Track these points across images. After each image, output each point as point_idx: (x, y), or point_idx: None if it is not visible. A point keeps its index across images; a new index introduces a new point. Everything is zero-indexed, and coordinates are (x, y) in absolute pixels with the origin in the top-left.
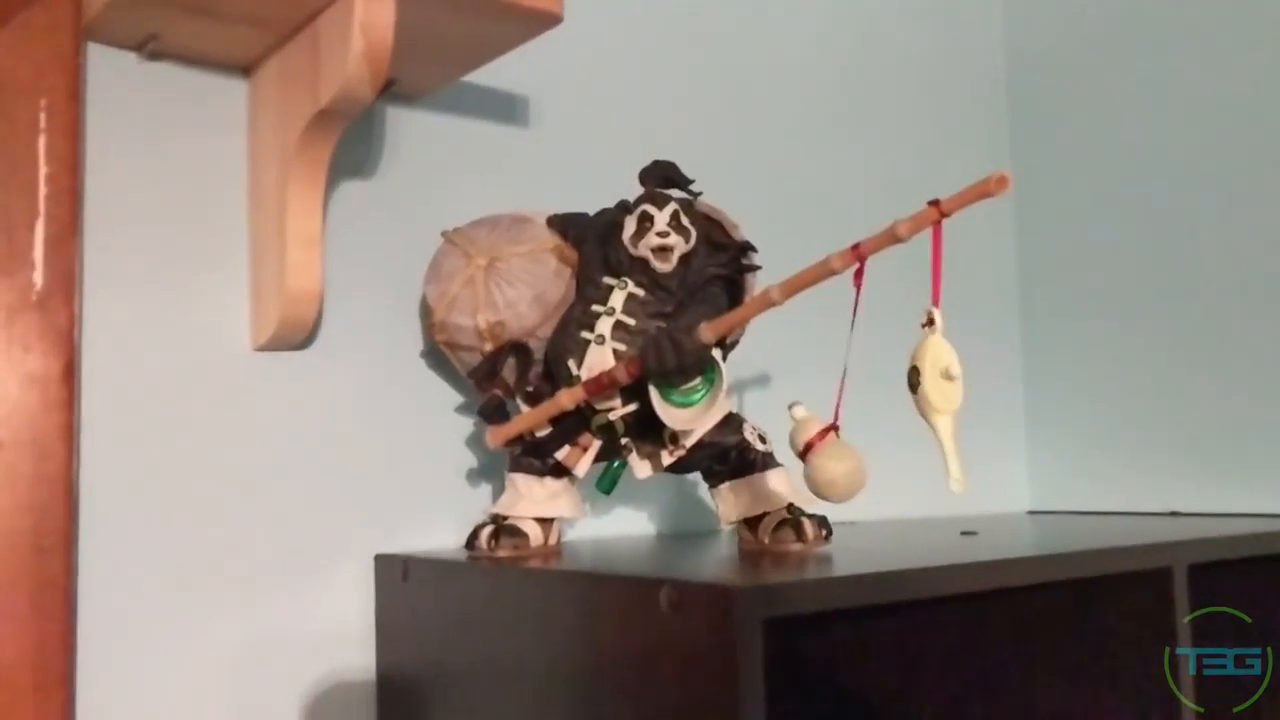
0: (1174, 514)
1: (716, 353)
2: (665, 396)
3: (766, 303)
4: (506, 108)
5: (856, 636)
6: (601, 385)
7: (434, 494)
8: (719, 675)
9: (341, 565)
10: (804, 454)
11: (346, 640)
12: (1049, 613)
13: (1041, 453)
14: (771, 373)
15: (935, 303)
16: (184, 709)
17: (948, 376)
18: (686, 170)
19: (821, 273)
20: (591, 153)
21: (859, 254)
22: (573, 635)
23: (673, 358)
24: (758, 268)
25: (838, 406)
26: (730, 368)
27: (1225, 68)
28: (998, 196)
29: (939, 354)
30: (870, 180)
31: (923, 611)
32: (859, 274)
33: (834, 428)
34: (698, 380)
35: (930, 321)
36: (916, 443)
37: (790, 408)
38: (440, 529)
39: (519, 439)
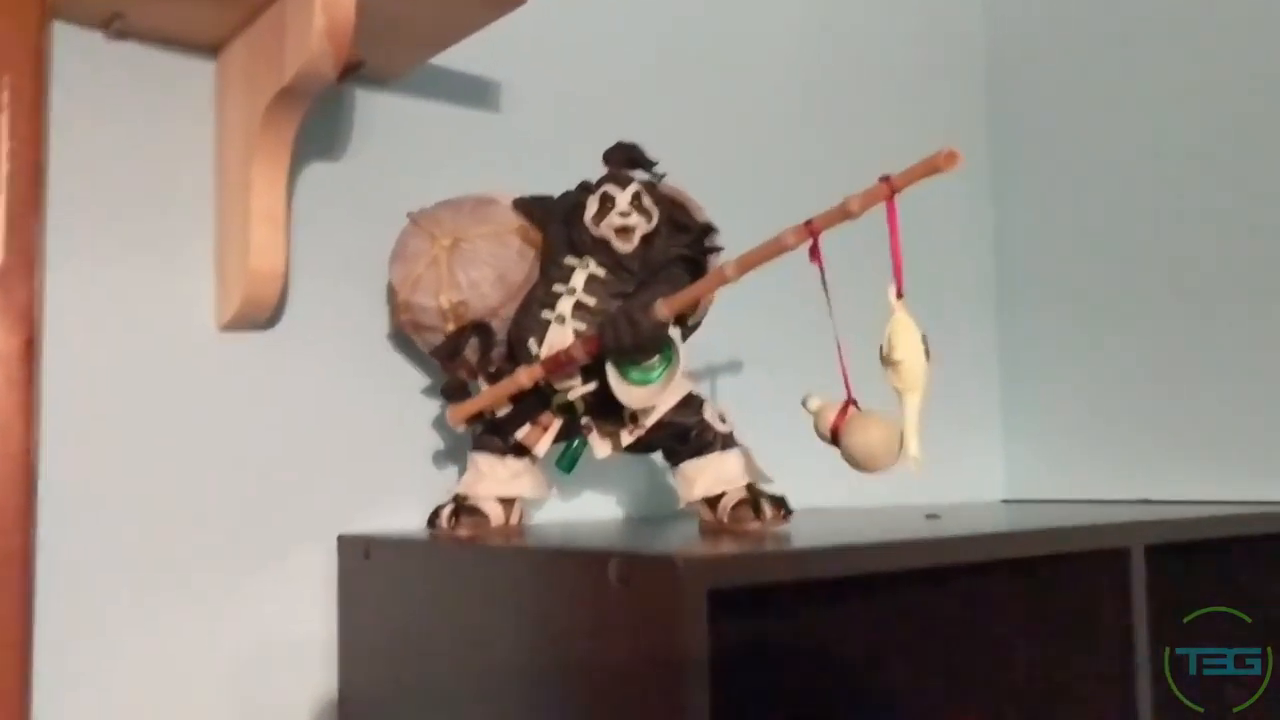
0: (1145, 501)
1: (675, 332)
2: (623, 375)
3: (720, 279)
4: (477, 91)
5: (821, 617)
6: (560, 363)
7: (400, 475)
8: (665, 646)
9: (306, 547)
10: (834, 438)
11: (310, 621)
12: (1010, 593)
13: (1017, 442)
14: (737, 355)
15: (897, 279)
16: (145, 687)
17: (916, 355)
18: (654, 153)
19: (775, 249)
20: (561, 136)
21: (812, 230)
22: (525, 611)
23: (629, 335)
24: (720, 249)
25: (847, 382)
26: (694, 350)
27: (1206, 55)
28: (947, 172)
29: (902, 334)
30: (844, 167)
31: (886, 592)
32: (815, 251)
33: (851, 402)
34: (655, 359)
35: (897, 296)
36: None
37: (804, 402)
38: (407, 510)
39: (479, 418)
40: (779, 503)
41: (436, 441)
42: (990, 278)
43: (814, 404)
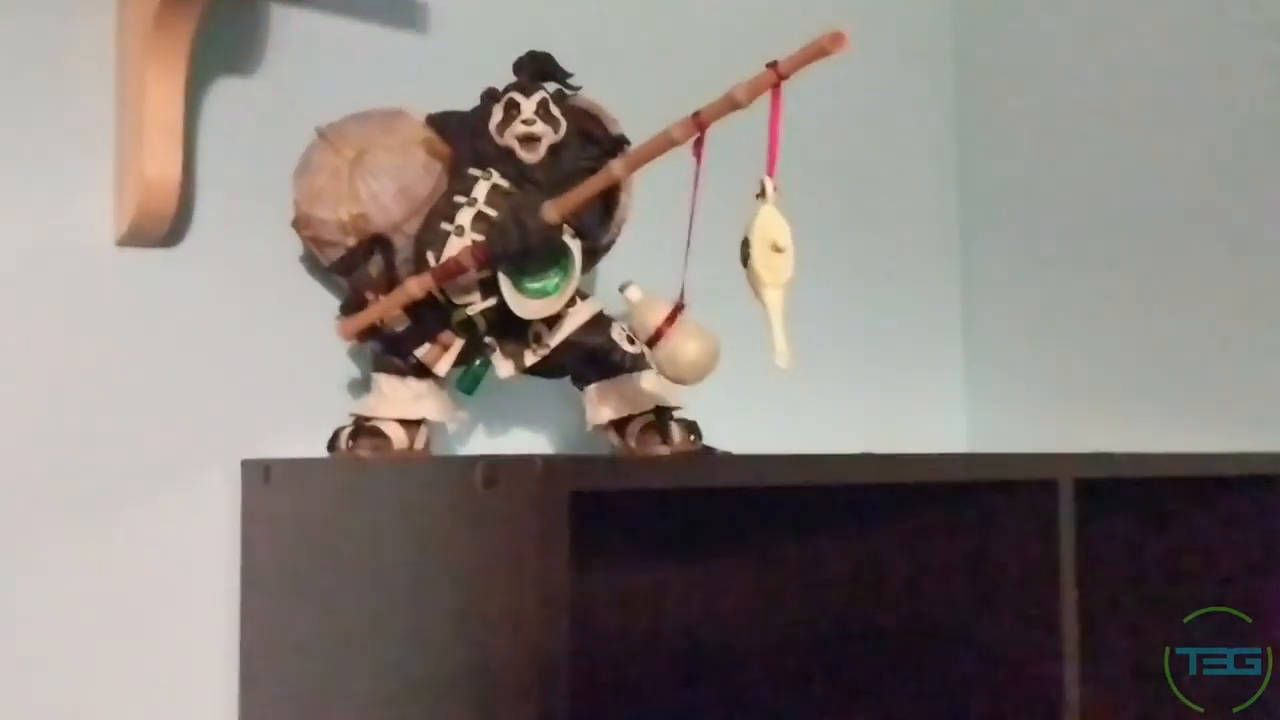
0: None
1: (575, 244)
2: (518, 286)
3: (608, 178)
4: (397, 10)
5: (728, 547)
6: (449, 271)
7: (308, 399)
8: (528, 551)
9: (208, 472)
10: (654, 339)
11: (213, 547)
12: (935, 519)
13: (980, 393)
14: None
15: (770, 172)
16: (41, 617)
17: (776, 249)
18: (575, 71)
19: (663, 144)
20: (482, 58)
21: (699, 122)
22: (406, 523)
23: (516, 238)
24: None
25: (684, 287)
26: (611, 271)
27: (1174, 5)
28: (835, 55)
29: (768, 225)
30: (804, 107)
31: (814, 510)
32: (699, 144)
33: (681, 307)
34: (552, 270)
35: (761, 192)
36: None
37: (622, 290)
38: (314, 434)
39: (374, 334)
40: (689, 427)
41: (348, 366)
42: (954, 224)
43: (635, 294)
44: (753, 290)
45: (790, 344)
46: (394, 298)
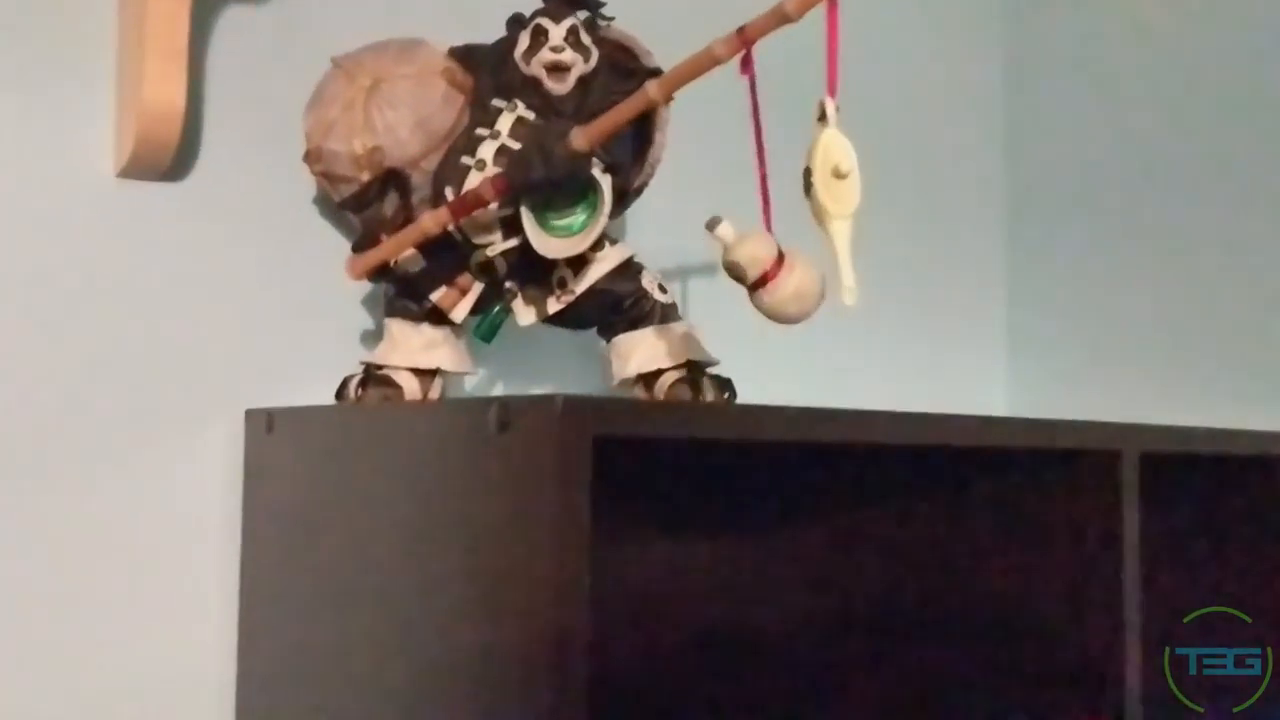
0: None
1: (605, 180)
2: (541, 223)
3: (644, 100)
4: None
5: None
6: (467, 205)
7: (316, 347)
8: (545, 500)
9: (209, 423)
10: (764, 279)
11: (213, 501)
12: (991, 488)
13: (1022, 357)
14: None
15: (830, 92)
16: (38, 562)
17: (838, 174)
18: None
19: (705, 62)
20: None
21: (745, 39)
22: (412, 471)
23: (541, 168)
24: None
25: (769, 215)
26: (639, 217)
27: None
28: None
29: (830, 150)
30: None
31: (854, 473)
32: (747, 61)
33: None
34: (579, 204)
35: (822, 115)
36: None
37: (711, 227)
38: (322, 384)
39: (385, 274)
40: (723, 384)
41: (360, 313)
42: (1000, 182)
43: (728, 232)
44: (817, 223)
45: (856, 279)
46: (407, 234)
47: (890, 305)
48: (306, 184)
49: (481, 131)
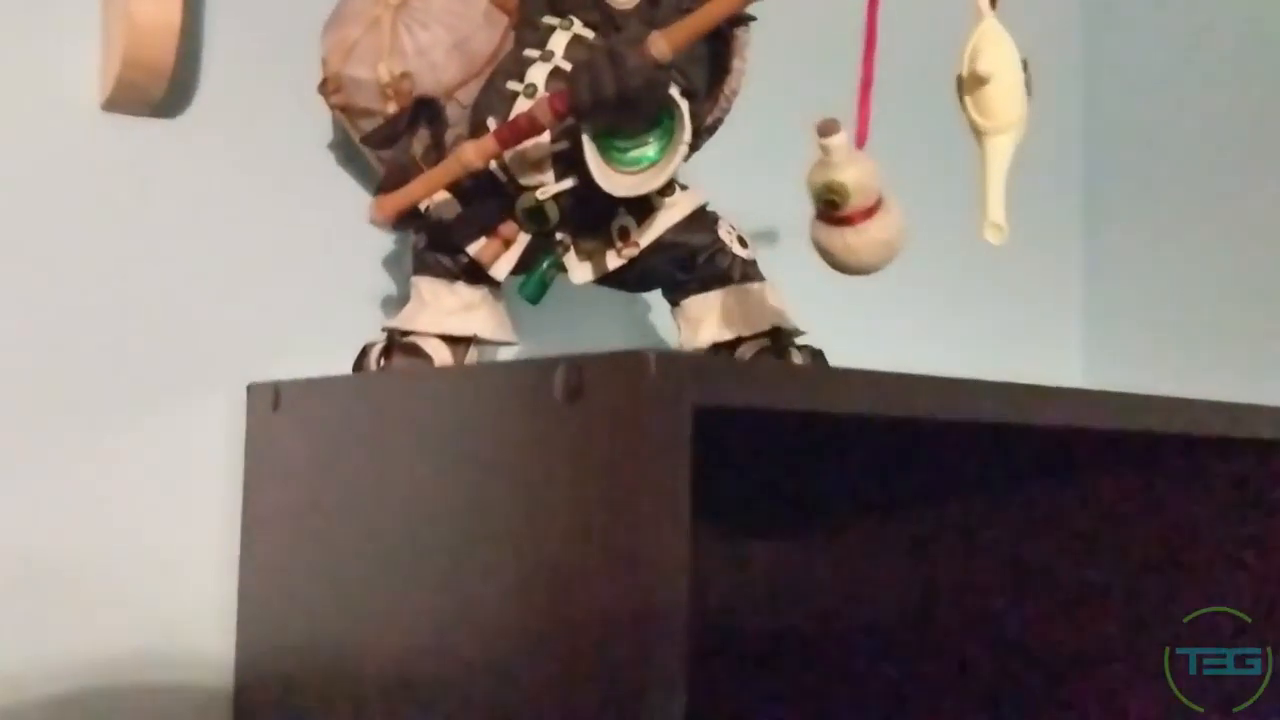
0: None
1: (684, 104)
2: (607, 154)
3: (735, 3)
4: None
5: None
6: (519, 131)
7: (333, 311)
8: (631, 491)
9: (205, 397)
10: (848, 218)
11: (211, 489)
12: (1110, 484)
13: (1098, 332)
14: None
15: None
16: (23, 543)
17: (979, 79)
18: None
19: None
20: None
21: None
22: (449, 456)
23: (611, 82)
24: (752, 18)
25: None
26: (707, 163)
27: None
28: None
29: (977, 47)
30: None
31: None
32: None
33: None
34: (654, 131)
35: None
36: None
37: (827, 134)
38: (338, 355)
39: (416, 220)
40: (815, 356)
41: (381, 274)
42: (1078, 161)
43: (841, 144)
44: (974, 131)
45: (1006, 213)
46: (445, 168)
47: (961, 272)
48: (320, 119)
49: (531, 53)
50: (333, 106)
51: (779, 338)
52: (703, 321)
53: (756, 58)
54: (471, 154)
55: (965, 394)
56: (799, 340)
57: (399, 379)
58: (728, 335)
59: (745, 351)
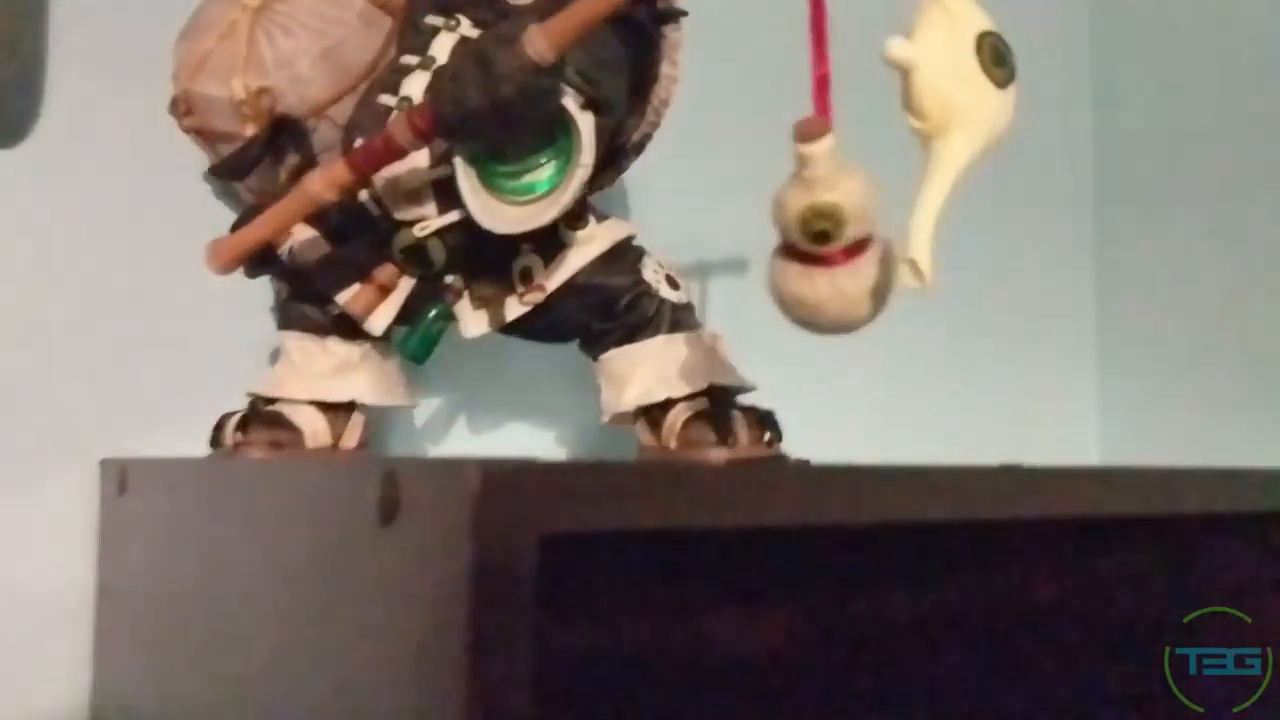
0: None
1: (585, 119)
2: (489, 181)
3: None
4: None
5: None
6: (374, 155)
7: (199, 378)
8: (460, 631)
9: (58, 475)
10: (832, 257)
11: (63, 573)
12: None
13: (1115, 399)
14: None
15: None
16: None
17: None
18: None
19: None
20: None
21: None
22: (283, 559)
23: (480, 91)
24: (682, 12)
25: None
26: (638, 189)
27: None
28: None
29: (929, 23)
30: None
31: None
32: None
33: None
34: (543, 151)
35: None
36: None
37: (805, 140)
38: (203, 424)
39: (267, 265)
40: (762, 420)
41: (255, 325)
42: (1088, 208)
43: (826, 149)
44: (920, 137)
45: (931, 253)
46: (289, 203)
47: (968, 340)
48: (181, 145)
49: (409, 60)
50: (186, 130)
51: (719, 398)
52: (628, 380)
53: (694, 61)
54: (319, 185)
55: (902, 492)
56: (743, 400)
57: (235, 467)
58: (658, 396)
59: (677, 415)
